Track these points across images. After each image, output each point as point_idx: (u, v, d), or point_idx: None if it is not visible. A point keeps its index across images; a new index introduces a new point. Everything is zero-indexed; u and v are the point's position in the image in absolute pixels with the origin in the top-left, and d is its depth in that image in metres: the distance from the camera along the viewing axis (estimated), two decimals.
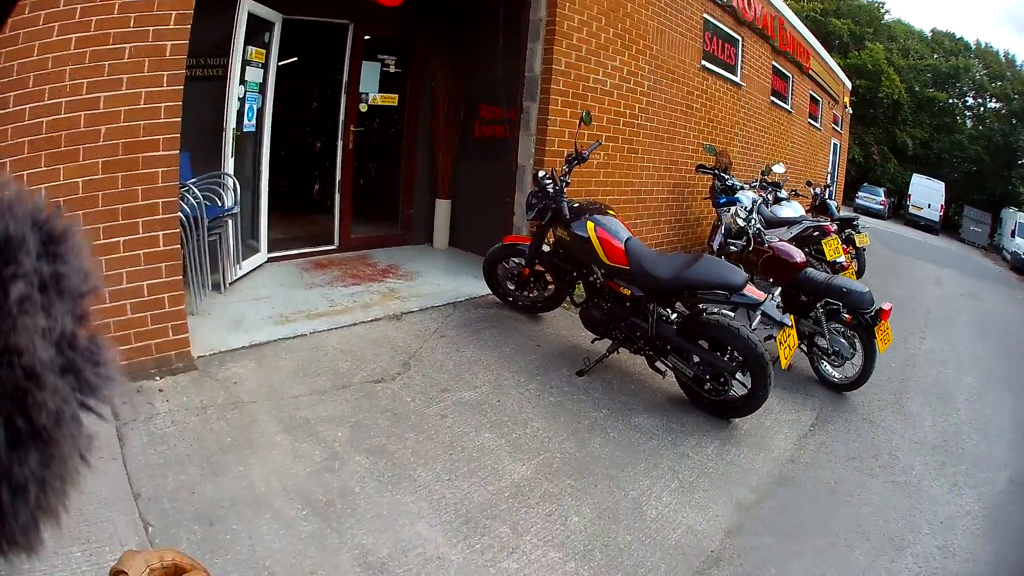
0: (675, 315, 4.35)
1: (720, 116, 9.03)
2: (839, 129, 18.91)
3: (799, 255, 5.51)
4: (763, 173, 8.83)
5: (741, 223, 5.63)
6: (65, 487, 0.39)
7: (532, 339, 4.86)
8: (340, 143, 5.68)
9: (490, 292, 5.33)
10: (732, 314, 4.15)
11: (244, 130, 4.67)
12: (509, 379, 4.16)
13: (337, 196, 5.78)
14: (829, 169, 17.85)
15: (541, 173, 4.73)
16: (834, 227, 7.16)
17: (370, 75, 5.75)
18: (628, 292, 4.29)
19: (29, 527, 0.38)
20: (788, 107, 12.37)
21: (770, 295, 4.25)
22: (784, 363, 4.52)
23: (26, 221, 0.38)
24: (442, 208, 6.51)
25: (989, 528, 3.87)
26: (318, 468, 2.95)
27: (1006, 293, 15.22)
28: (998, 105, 35.31)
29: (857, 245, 8.80)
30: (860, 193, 26.55)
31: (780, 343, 4.46)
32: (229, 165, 4.52)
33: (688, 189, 8.34)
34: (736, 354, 4.07)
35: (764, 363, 3.97)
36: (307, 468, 2.94)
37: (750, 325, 4.24)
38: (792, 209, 7.63)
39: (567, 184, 4.71)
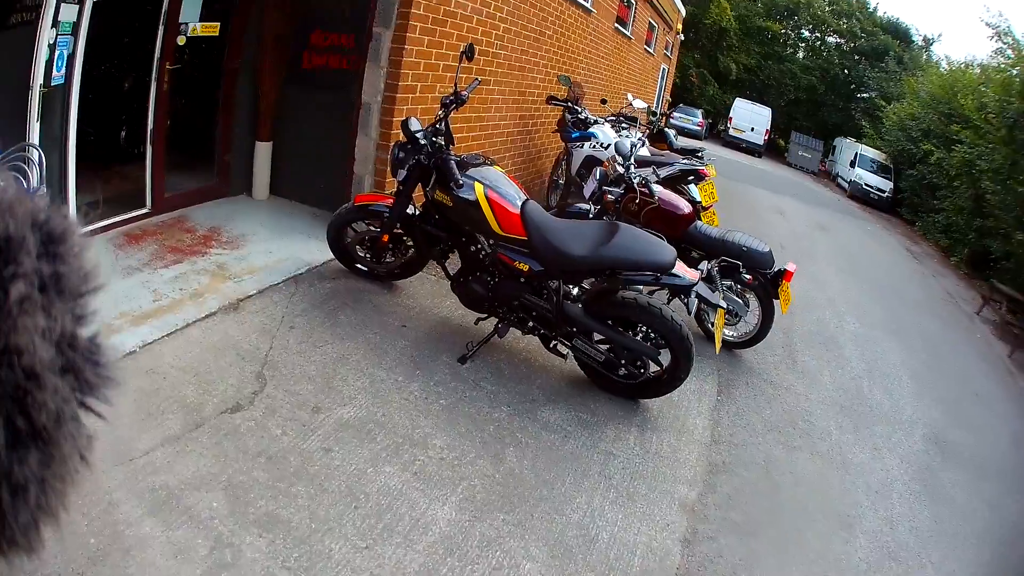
0: (576, 290, 4.39)
1: (570, 44, 9.45)
2: (669, 55, 21.19)
3: (686, 206, 5.85)
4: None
5: (620, 169, 5.74)
6: (65, 487, 0.45)
7: (395, 317, 4.70)
8: (154, 84, 5.05)
9: (331, 257, 5.10)
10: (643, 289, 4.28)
11: (53, 83, 4.07)
12: (386, 381, 3.94)
13: (149, 148, 5.17)
14: (657, 94, 19.47)
15: (412, 121, 4.45)
16: (705, 167, 7.63)
17: (192, 2, 5.17)
18: (525, 267, 4.24)
19: (29, 527, 0.42)
20: (629, 34, 13.54)
21: (700, 271, 4.40)
22: (718, 348, 4.84)
23: (26, 221, 0.42)
24: (263, 152, 6.12)
25: (921, 492, 4.57)
26: (210, 567, 2.56)
27: (853, 224, 17.53)
28: (840, 40, 41.52)
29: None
30: (676, 114, 28.98)
31: (716, 327, 4.70)
32: (35, 132, 3.91)
33: (534, 121, 8.64)
34: (651, 333, 4.22)
35: (689, 345, 4.15)
36: (197, 570, 2.54)
37: (688, 311, 4.41)
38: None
39: (447, 133, 4.49)
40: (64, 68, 4.21)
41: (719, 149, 25.26)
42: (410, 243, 4.89)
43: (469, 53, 4.61)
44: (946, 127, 18.59)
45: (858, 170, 24.35)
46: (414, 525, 2.98)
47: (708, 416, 4.65)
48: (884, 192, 23.14)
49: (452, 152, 4.43)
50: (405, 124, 4.46)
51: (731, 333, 5.72)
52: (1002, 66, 15.94)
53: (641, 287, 4.26)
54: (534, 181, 9.04)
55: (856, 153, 25.60)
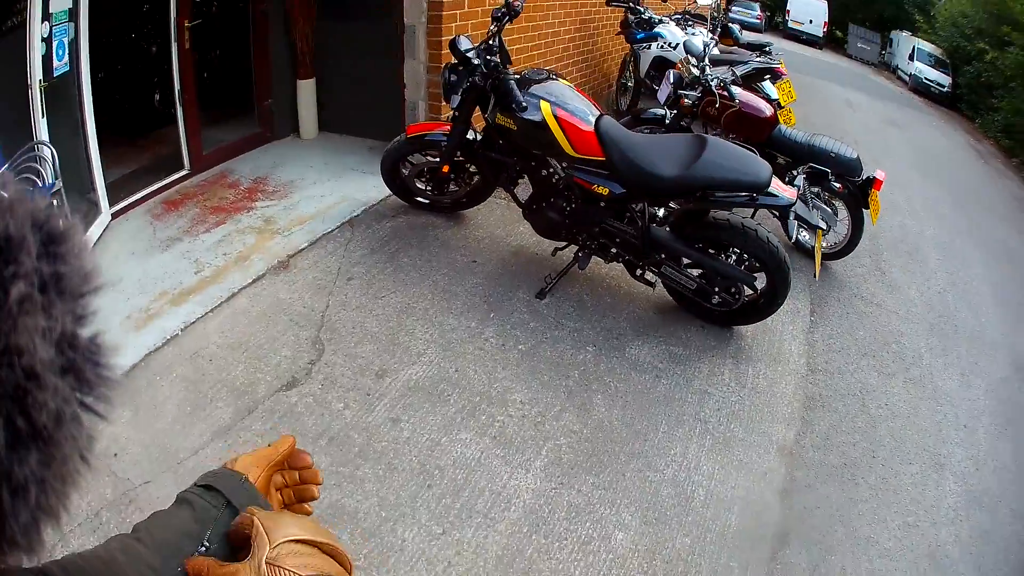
0: (662, 212, 3.90)
1: None
2: None
3: (768, 108, 5.24)
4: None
5: (695, 71, 5.18)
6: (66, 487, 0.43)
7: (464, 252, 4.24)
8: (175, 45, 4.73)
9: (388, 193, 4.67)
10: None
11: (56, 74, 3.79)
12: (457, 329, 3.53)
13: (180, 110, 4.92)
14: None
15: (461, 40, 3.92)
16: (780, 64, 6.97)
17: None
18: (605, 191, 3.74)
19: (29, 528, 0.41)
20: None
21: (796, 188, 3.90)
22: (818, 272, 4.41)
23: (26, 221, 0.42)
24: (306, 89, 5.77)
25: (1005, 427, 4.13)
26: None
27: (921, 119, 16.48)
28: None
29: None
30: (734, 7, 27.95)
31: (816, 250, 4.23)
32: (43, 129, 3.64)
33: (595, 24, 7.95)
34: (744, 255, 3.74)
35: (787, 268, 3.68)
36: None
37: (789, 235, 3.94)
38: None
39: (502, 50, 3.95)
40: (67, 56, 3.94)
41: (779, 41, 23.97)
42: (474, 170, 4.41)
43: None
44: (997, 27, 17.24)
45: (917, 63, 23.10)
46: (495, 500, 2.62)
47: (803, 340, 4.22)
48: (944, 87, 21.89)
49: (511, 70, 3.92)
50: (453, 44, 3.96)
51: (808, 237, 5.15)
52: None
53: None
54: (601, 86, 8.41)
55: (914, 47, 24.27)
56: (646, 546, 2.59)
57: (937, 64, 22.82)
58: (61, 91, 3.93)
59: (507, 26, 4.03)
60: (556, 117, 3.67)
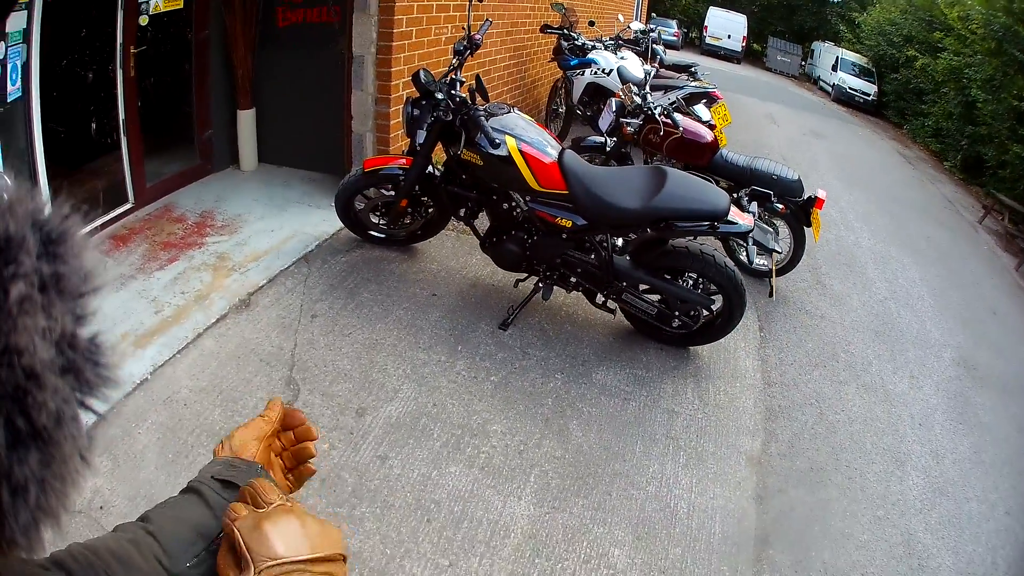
0: (620, 241, 4.17)
1: None
2: None
3: (709, 133, 5.60)
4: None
5: (637, 98, 5.50)
6: (65, 487, 0.44)
7: (422, 286, 4.46)
8: (120, 71, 4.69)
9: (339, 226, 4.82)
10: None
11: (9, 100, 3.76)
12: (428, 363, 3.74)
13: (124, 139, 4.81)
14: (635, 9, 19.03)
15: (423, 74, 4.08)
16: (715, 88, 7.39)
17: None
18: (568, 223, 4.00)
19: (29, 527, 0.42)
20: None
21: (753, 215, 4.21)
22: (773, 292, 4.79)
23: (26, 221, 0.43)
24: (246, 120, 5.77)
25: (958, 422, 4.62)
26: None
27: (845, 128, 17.42)
28: None
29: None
30: (651, 25, 28.54)
31: (772, 273, 4.55)
32: None
33: (528, 51, 8.33)
34: (700, 280, 4.07)
35: (743, 290, 4.02)
36: None
37: (749, 259, 4.28)
38: (636, 65, 7.70)
39: (463, 83, 4.15)
40: (20, 80, 3.93)
41: (698, 58, 24.80)
42: (429, 203, 4.61)
43: None
44: (928, 34, 18.31)
45: (841, 73, 24.24)
46: (494, 529, 2.84)
47: (756, 356, 4.58)
48: (869, 95, 23.05)
49: (480, 105, 4.12)
50: (416, 78, 4.12)
51: (762, 262, 5.53)
52: None
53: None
54: (532, 113, 8.61)
55: (837, 57, 25.42)
56: (643, 559, 2.86)
57: (862, 73, 24.03)
58: (12, 117, 3.89)
59: (399, 42, 4.24)
60: (521, 152, 3.90)
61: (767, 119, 14.78)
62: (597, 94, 7.62)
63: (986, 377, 5.33)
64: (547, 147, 3.96)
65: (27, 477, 0.41)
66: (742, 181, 5.40)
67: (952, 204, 11.73)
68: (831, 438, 3.99)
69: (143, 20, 4.78)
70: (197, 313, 3.87)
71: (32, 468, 0.41)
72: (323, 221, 5.01)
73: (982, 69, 13.85)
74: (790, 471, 3.62)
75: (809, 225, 5.28)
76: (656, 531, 2.99)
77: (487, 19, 4.61)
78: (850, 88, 23.50)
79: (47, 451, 0.42)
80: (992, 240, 10.10)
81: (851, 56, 25.27)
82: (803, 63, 32.17)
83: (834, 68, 25.03)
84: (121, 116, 4.79)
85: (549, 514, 2.96)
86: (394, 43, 5.02)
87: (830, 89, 25.08)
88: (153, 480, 2.79)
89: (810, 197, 5.23)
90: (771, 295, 4.85)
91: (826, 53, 27.89)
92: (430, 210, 4.65)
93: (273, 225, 4.95)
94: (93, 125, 5.04)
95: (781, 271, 5.56)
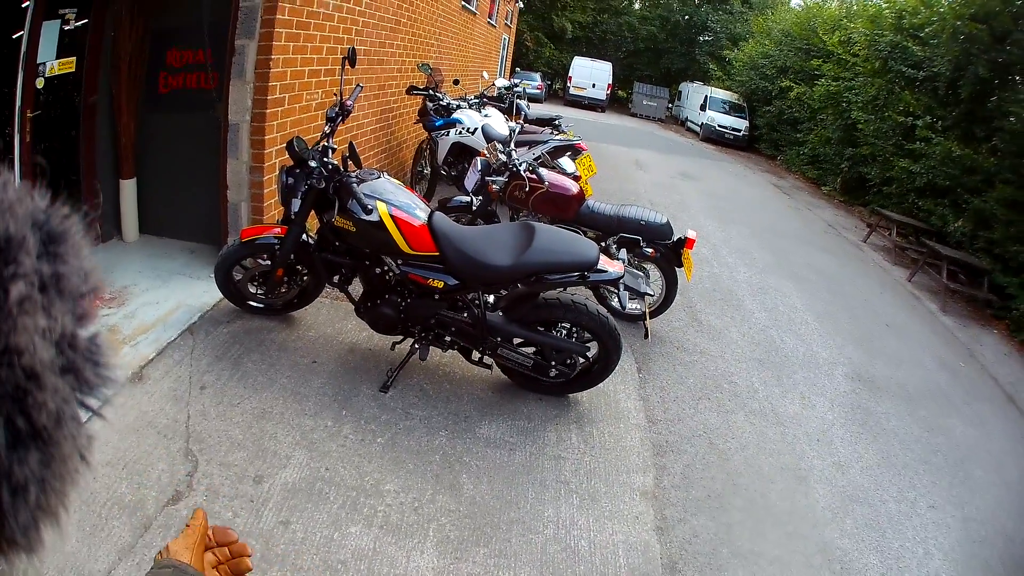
0: (492, 298, 4.43)
1: (422, 29, 9.47)
2: (509, 24, 21.92)
3: (575, 186, 5.96)
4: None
5: (502, 156, 5.76)
6: (65, 487, 0.46)
7: (302, 353, 4.61)
8: (17, 136, 4.60)
9: (220, 297, 4.92)
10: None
11: None
12: (316, 429, 3.86)
13: None
14: (499, 66, 19.89)
15: (297, 142, 4.26)
16: (580, 140, 7.82)
17: (49, 37, 4.71)
18: (440, 284, 4.21)
19: (29, 527, 0.43)
20: (474, 9, 13.70)
21: (623, 261, 4.48)
22: (649, 334, 5.09)
23: (26, 221, 0.44)
24: (128, 189, 5.75)
25: (860, 431, 5.05)
26: None
27: (714, 166, 18.45)
28: None
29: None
30: (515, 79, 29.41)
31: (647, 316, 4.83)
32: None
33: (394, 113, 8.64)
34: (573, 328, 4.35)
35: (618, 335, 4.30)
36: None
37: (622, 305, 4.55)
38: (501, 122, 8.07)
39: (335, 150, 4.34)
40: None
41: (562, 109, 25.76)
42: (305, 271, 4.77)
43: (351, 58, 4.44)
44: (805, 62, 19.84)
45: (710, 112, 25.56)
46: None
47: (637, 396, 4.87)
48: (740, 131, 24.47)
49: (352, 172, 4.31)
50: (291, 146, 4.28)
51: (635, 306, 5.89)
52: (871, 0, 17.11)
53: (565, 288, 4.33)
54: (398, 175, 8.94)
55: (706, 96, 26.81)
56: None
57: (732, 109, 25.47)
58: None
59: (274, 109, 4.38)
60: (392, 216, 4.10)
61: (634, 166, 15.56)
62: (463, 153, 7.95)
63: (886, 387, 5.81)
64: (417, 210, 4.19)
65: (27, 477, 0.42)
66: (610, 230, 5.73)
67: (833, 228, 12.65)
68: (725, 465, 4.30)
69: (40, 83, 4.76)
70: None
71: (32, 468, 0.42)
72: (204, 292, 5.11)
73: (863, 91, 15.11)
74: (687, 501, 3.88)
75: (681, 266, 5.65)
76: (561, 570, 3.19)
77: (358, 85, 4.83)
78: (719, 126, 24.83)
79: (47, 451, 0.43)
80: (879, 256, 10.97)
81: (721, 94, 26.75)
82: (670, 105, 33.92)
83: (703, 107, 26.39)
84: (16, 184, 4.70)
85: (453, 564, 3.13)
86: (268, 110, 5.17)
87: (698, 129, 26.47)
88: (77, 553, 2.85)
89: (679, 238, 5.61)
90: (646, 336, 5.17)
91: (694, 93, 29.46)
92: (305, 278, 4.81)
93: (159, 297, 5.03)
94: None
95: (655, 313, 5.91)
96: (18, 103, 4.67)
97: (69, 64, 5.09)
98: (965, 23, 11.19)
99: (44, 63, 4.81)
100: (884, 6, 14.89)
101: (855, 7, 18.57)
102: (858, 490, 4.30)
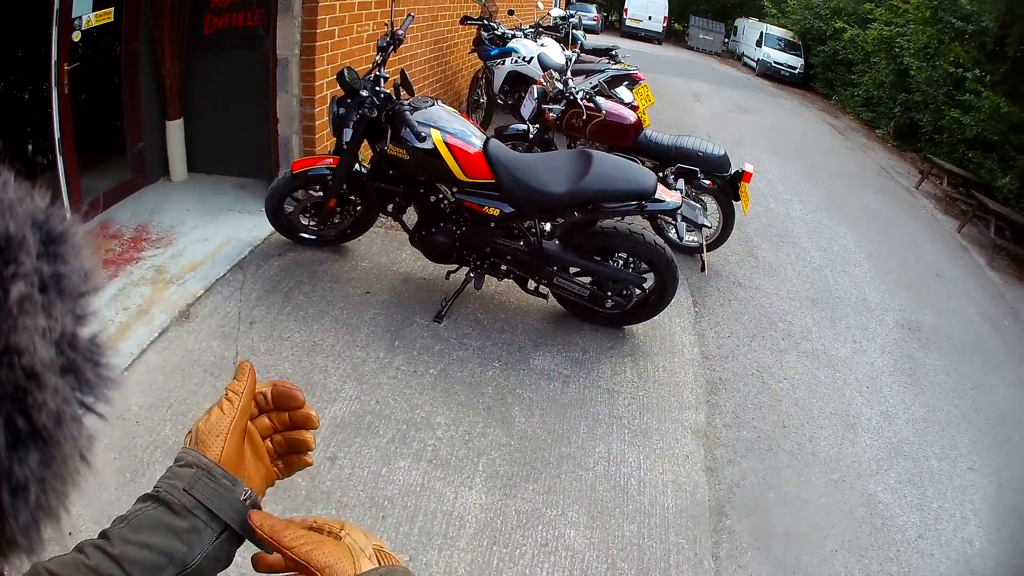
0: (549, 226, 4.30)
1: None
2: None
3: (632, 115, 5.78)
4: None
5: (559, 84, 5.62)
6: (66, 487, 0.45)
7: (356, 284, 4.54)
8: (55, 89, 4.60)
9: (271, 230, 4.88)
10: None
11: None
12: (368, 361, 3.79)
13: (60, 159, 4.74)
14: None
15: (348, 72, 4.14)
16: (637, 69, 7.58)
17: None
18: (496, 212, 4.10)
19: (29, 528, 0.43)
20: None
21: (680, 191, 4.34)
22: (705, 268, 4.93)
23: (26, 221, 0.44)
24: (174, 131, 5.71)
25: (908, 382, 4.87)
26: None
27: (770, 102, 17.89)
28: None
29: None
30: (570, 11, 28.83)
31: (704, 248, 4.72)
32: None
33: (448, 43, 8.39)
34: (630, 259, 4.22)
35: (675, 266, 4.18)
36: None
37: (679, 236, 4.44)
38: (557, 51, 7.84)
39: (387, 79, 4.20)
40: None
41: (619, 41, 25.12)
42: (358, 201, 4.68)
43: None
44: (858, 5, 19.07)
45: (765, 48, 24.88)
46: (449, 520, 2.93)
47: (692, 331, 4.76)
48: (795, 68, 23.73)
49: (405, 100, 4.18)
50: (341, 76, 4.16)
51: (692, 238, 5.74)
52: None
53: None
54: (453, 104, 8.61)
55: (762, 32, 26.07)
56: (599, 538, 2.98)
57: (787, 47, 24.66)
58: None
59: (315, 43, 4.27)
60: (447, 144, 3.98)
61: (691, 97, 15.13)
62: (518, 82, 7.77)
63: (933, 338, 5.59)
64: (472, 137, 4.06)
65: (27, 477, 0.42)
66: (668, 160, 5.58)
67: (887, 171, 12.19)
68: (776, 406, 4.18)
69: (76, 36, 4.73)
70: (140, 328, 3.90)
71: (32, 468, 0.42)
72: (255, 227, 5.05)
73: (915, 38, 14.42)
74: (737, 441, 3.78)
75: (738, 199, 5.49)
76: (609, 510, 3.11)
77: (409, 14, 4.67)
78: (775, 63, 24.11)
79: (47, 451, 0.43)
80: (931, 204, 10.55)
81: (776, 31, 25.91)
82: (726, 40, 32.93)
83: (758, 44, 25.65)
84: (56, 135, 4.77)
85: (501, 501, 3.06)
86: (317, 43, 5.06)
87: (755, 65, 25.72)
88: (115, 501, 2.80)
89: (737, 171, 5.44)
90: (703, 270, 5.01)
91: (750, 29, 28.55)
92: (358, 208, 4.71)
93: (207, 234, 4.98)
94: (29, 146, 4.98)
95: (712, 246, 5.74)
96: (54, 57, 4.63)
97: (107, 15, 5.00)
98: None
99: (80, 16, 4.74)
100: None
101: None
102: (903, 443, 4.16)
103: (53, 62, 4.62)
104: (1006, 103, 10.66)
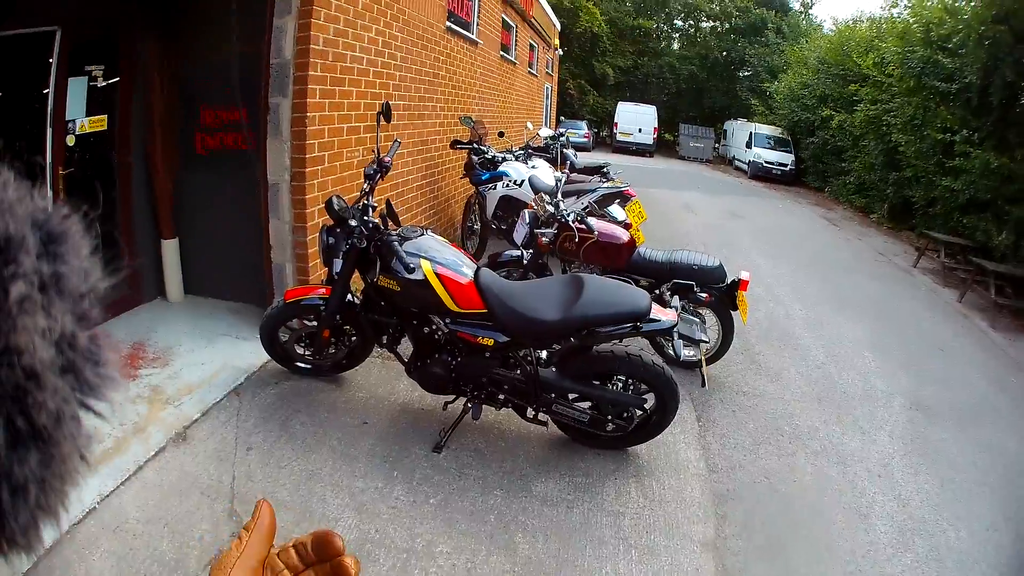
0: (545, 353, 4.29)
1: (462, 81, 9.49)
2: (550, 72, 22.08)
3: (625, 234, 5.84)
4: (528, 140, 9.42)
5: (549, 208, 5.70)
6: (65, 487, 0.46)
7: (353, 415, 4.53)
8: (50, 194, 4.66)
9: (267, 358, 4.90)
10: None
11: None
12: (366, 491, 3.77)
13: None
14: (544, 114, 20.04)
15: (336, 201, 4.24)
16: (628, 187, 7.74)
17: (77, 94, 4.78)
18: (490, 342, 4.09)
19: (29, 527, 0.43)
20: (513, 59, 13.82)
21: (676, 308, 4.36)
22: (706, 382, 4.92)
23: (26, 221, 0.44)
24: (170, 250, 5.81)
25: (920, 462, 4.79)
26: None
27: (763, 203, 18.18)
28: (715, 23, 44.11)
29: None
30: (561, 129, 29.55)
31: (702, 363, 4.76)
32: None
33: (439, 168, 8.60)
34: (629, 381, 4.18)
35: (675, 386, 4.12)
36: None
37: (676, 354, 4.40)
38: (547, 173, 8.01)
39: (375, 208, 4.31)
40: None
41: (610, 156, 25.76)
42: (353, 332, 4.70)
43: (386, 113, 4.43)
44: (843, 89, 19.56)
45: (755, 149, 25.33)
46: None
47: (697, 445, 4.68)
48: (786, 165, 24.14)
49: (392, 230, 4.26)
50: (329, 205, 4.22)
51: (691, 353, 5.66)
52: (898, 16, 16.78)
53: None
54: (447, 231, 8.95)
55: (751, 132, 26.62)
56: None
57: (777, 144, 25.15)
58: None
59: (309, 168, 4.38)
60: (437, 275, 3.99)
61: (684, 209, 15.40)
62: (511, 206, 7.88)
63: (941, 412, 5.55)
64: (462, 267, 4.09)
65: (27, 477, 0.42)
66: (663, 276, 5.58)
67: (883, 255, 12.31)
68: (786, 509, 4.09)
69: (70, 140, 4.82)
70: (136, 445, 3.93)
71: (32, 468, 0.42)
72: (251, 353, 5.09)
73: (901, 111, 14.76)
74: (748, 549, 3.69)
75: (736, 309, 5.47)
76: None
77: (396, 140, 4.81)
78: (766, 162, 24.53)
79: (47, 451, 0.43)
80: (929, 280, 10.64)
81: (765, 129, 26.45)
82: (716, 146, 33.67)
83: (748, 145, 26.18)
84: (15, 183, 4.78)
85: None
86: (307, 169, 5.15)
87: (746, 167, 26.16)
88: None
89: (733, 281, 5.43)
90: (704, 384, 4.97)
91: (739, 131, 29.20)
92: (353, 338, 4.75)
93: (203, 358, 5.03)
94: None
95: (712, 359, 5.71)
96: (48, 159, 4.73)
97: (100, 122, 5.14)
98: (988, 27, 10.98)
99: (74, 120, 4.88)
100: (912, 21, 14.52)
101: (884, 26, 18.22)
102: (919, 522, 4.06)
103: (48, 165, 4.70)
104: (995, 156, 10.82)
